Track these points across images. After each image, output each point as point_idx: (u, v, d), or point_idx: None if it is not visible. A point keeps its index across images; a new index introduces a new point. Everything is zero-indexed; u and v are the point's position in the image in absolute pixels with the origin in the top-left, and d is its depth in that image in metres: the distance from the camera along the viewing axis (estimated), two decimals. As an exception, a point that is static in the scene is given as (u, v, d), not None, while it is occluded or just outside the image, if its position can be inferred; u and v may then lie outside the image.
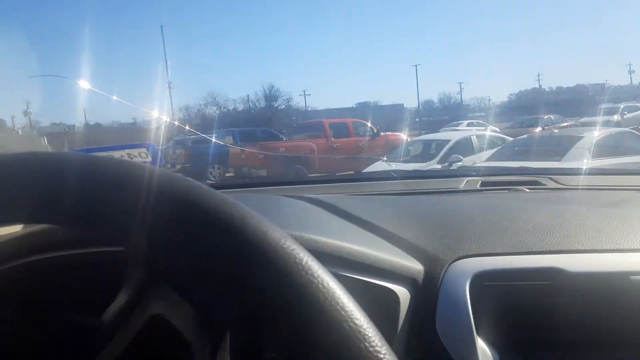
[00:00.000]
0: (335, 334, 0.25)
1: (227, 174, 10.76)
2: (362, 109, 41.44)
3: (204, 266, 0.27)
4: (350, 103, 61.63)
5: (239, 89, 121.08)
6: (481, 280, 0.59)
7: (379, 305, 0.54)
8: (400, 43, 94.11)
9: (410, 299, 0.59)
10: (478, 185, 1.15)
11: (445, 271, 0.60)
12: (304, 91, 47.94)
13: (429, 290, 0.59)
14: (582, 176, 1.30)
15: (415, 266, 0.61)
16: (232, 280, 0.26)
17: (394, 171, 1.45)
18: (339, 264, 0.56)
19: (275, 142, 11.73)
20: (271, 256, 0.26)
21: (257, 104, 45.37)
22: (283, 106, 44.52)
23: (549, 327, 0.57)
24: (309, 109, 46.66)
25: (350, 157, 9.05)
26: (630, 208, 0.89)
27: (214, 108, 49.63)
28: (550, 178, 1.17)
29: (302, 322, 0.25)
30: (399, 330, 0.56)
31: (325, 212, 0.77)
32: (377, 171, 2.19)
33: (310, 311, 0.26)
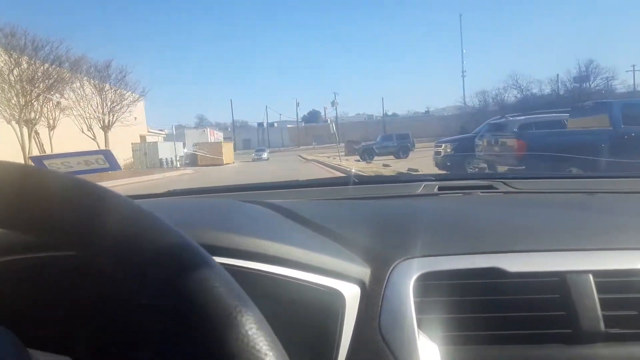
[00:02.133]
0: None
1: (471, 169, 9.90)
2: None
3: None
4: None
5: (547, 68, 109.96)
6: (425, 280, 0.61)
7: (325, 306, 0.57)
8: None
9: (357, 300, 0.60)
10: (435, 190, 1.18)
11: (390, 272, 0.62)
12: (633, 66, 36.18)
13: (374, 291, 0.61)
14: (533, 180, 1.34)
15: (362, 267, 0.63)
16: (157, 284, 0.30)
17: (355, 176, 1.41)
18: (287, 265, 0.58)
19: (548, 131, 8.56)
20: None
21: (567, 85, 38.30)
22: (601, 86, 35.83)
23: (488, 323, 0.59)
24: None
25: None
26: (577, 210, 0.91)
27: (515, 92, 44.60)
28: (503, 182, 1.20)
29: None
30: (344, 330, 0.57)
31: (279, 216, 0.79)
32: (338, 177, 2.11)
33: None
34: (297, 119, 71.18)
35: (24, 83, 16.21)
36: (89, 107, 22.44)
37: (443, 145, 11.31)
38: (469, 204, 1.04)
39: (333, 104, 69.05)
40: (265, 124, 71.59)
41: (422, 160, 17.81)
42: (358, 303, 0.60)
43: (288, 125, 70.65)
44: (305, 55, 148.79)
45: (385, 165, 14.86)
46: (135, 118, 36.78)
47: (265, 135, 68.41)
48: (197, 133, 43.91)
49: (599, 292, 0.59)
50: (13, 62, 16.35)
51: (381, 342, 0.56)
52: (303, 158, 30.77)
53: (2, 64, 16.00)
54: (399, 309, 0.58)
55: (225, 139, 49.30)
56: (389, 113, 68.64)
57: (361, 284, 0.61)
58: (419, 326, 0.57)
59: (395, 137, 25.74)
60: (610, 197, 1.12)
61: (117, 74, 24.62)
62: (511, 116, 9.68)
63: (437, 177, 1.31)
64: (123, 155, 32.84)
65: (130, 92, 25.66)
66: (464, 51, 71.00)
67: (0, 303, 0.53)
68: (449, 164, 10.79)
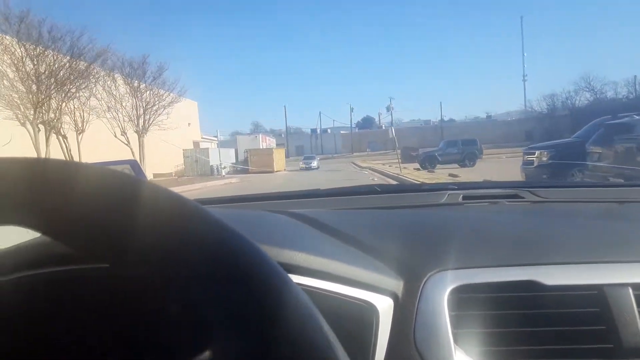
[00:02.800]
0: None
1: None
2: None
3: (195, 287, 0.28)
4: None
5: (624, 69, 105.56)
6: (459, 293, 0.60)
7: (358, 318, 0.56)
8: None
9: (391, 312, 0.59)
10: (460, 199, 1.16)
11: (424, 284, 0.61)
12: None
13: (408, 303, 0.60)
14: (559, 189, 1.33)
15: (394, 280, 0.62)
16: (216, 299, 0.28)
17: (378, 185, 1.38)
18: (320, 277, 0.57)
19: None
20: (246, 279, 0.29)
21: None
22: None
23: (526, 338, 0.58)
24: None
25: None
26: (608, 220, 0.89)
27: (587, 94, 41.52)
28: (529, 191, 1.18)
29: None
30: (378, 343, 0.56)
31: (308, 227, 0.77)
32: (361, 185, 1.86)
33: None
34: (351, 124, 69.44)
35: (38, 77, 13.75)
36: (122, 107, 19.81)
37: (537, 152, 8.93)
38: (497, 213, 1.02)
39: (388, 109, 66.80)
40: (318, 130, 70.47)
41: (495, 169, 15.56)
42: (392, 316, 0.59)
43: (342, 132, 69.07)
44: (360, 60, 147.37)
45: (453, 176, 12.66)
46: (189, 124, 36.76)
47: (318, 142, 67.30)
48: (249, 139, 43.19)
49: (638, 305, 0.58)
50: (24, 51, 13.54)
51: (417, 356, 0.55)
52: (357, 166, 28.92)
53: (10, 55, 13.38)
54: (434, 322, 0.57)
55: (278, 145, 48.60)
56: (446, 119, 65.41)
57: (394, 297, 0.60)
58: (455, 341, 0.56)
59: (461, 143, 23.01)
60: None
61: (153, 72, 21.17)
62: (637, 115, 7.26)
63: (461, 186, 1.30)
64: (175, 161, 32.77)
65: (167, 92, 22.62)
66: (525, 55, 67.66)
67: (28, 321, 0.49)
68: (545, 176, 8.42)
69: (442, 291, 0.60)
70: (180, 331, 0.39)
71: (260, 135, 45.40)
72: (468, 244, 0.71)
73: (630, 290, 0.58)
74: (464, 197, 1.16)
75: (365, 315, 0.57)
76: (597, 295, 0.59)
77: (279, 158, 34.80)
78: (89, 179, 0.29)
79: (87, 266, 0.49)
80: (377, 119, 77.67)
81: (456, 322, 0.58)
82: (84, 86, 16.16)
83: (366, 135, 66.05)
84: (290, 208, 0.97)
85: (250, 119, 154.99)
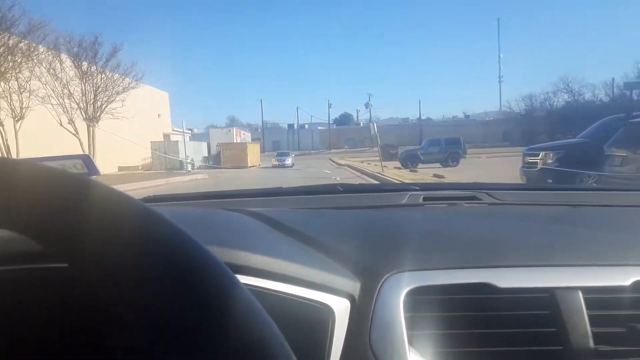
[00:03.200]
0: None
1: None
2: None
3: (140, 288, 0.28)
4: None
5: (604, 70, 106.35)
6: (415, 295, 0.60)
7: (314, 320, 0.56)
8: None
9: (347, 314, 0.59)
10: (420, 200, 1.17)
11: (380, 286, 0.61)
12: None
13: (364, 305, 0.60)
14: (516, 191, 1.32)
15: (351, 281, 0.62)
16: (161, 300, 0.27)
17: (340, 185, 1.36)
18: (276, 279, 0.56)
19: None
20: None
21: (625, 92, 32.48)
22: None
23: (479, 339, 0.59)
24: None
25: None
26: (562, 224, 0.90)
27: (565, 96, 41.23)
28: (487, 193, 1.19)
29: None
30: (333, 343, 0.56)
31: (265, 227, 0.76)
32: (323, 184, 1.45)
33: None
34: (329, 120, 68.22)
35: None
36: (69, 92, 16.85)
37: (541, 153, 7.86)
38: (455, 216, 1.03)
39: (367, 105, 66.03)
40: (295, 126, 69.01)
41: (482, 171, 14.61)
42: (348, 317, 0.59)
43: (319, 127, 67.75)
44: (338, 58, 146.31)
45: (438, 176, 11.60)
46: (159, 115, 34.82)
47: (295, 137, 65.84)
48: (222, 133, 41.05)
49: (588, 308, 0.59)
50: None
51: (372, 357, 0.55)
52: (335, 163, 27.73)
53: None
54: (390, 324, 0.58)
55: (254, 140, 46.93)
56: (423, 117, 64.88)
57: (351, 298, 0.60)
58: (409, 342, 0.57)
59: (444, 142, 22.01)
60: (595, 210, 1.11)
61: (106, 54, 18.25)
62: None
63: (422, 187, 1.31)
64: (143, 154, 30.87)
65: (122, 77, 19.32)
66: (501, 56, 68.37)
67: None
68: (550, 180, 7.37)
69: (399, 293, 0.60)
70: (127, 333, 0.38)
71: (235, 129, 43.28)
72: (425, 245, 0.71)
73: (580, 294, 0.60)
74: (425, 199, 1.17)
75: (321, 317, 0.56)
76: (548, 298, 0.60)
77: (253, 153, 33.32)
78: (28, 177, 0.28)
79: (42, 266, 0.48)
80: (355, 116, 76.75)
81: (411, 324, 0.58)
82: (21, 66, 14.06)
83: (344, 132, 65.08)
84: (250, 206, 0.95)
85: (226, 113, 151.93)
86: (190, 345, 0.27)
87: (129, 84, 19.72)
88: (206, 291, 0.28)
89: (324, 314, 0.56)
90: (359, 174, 15.93)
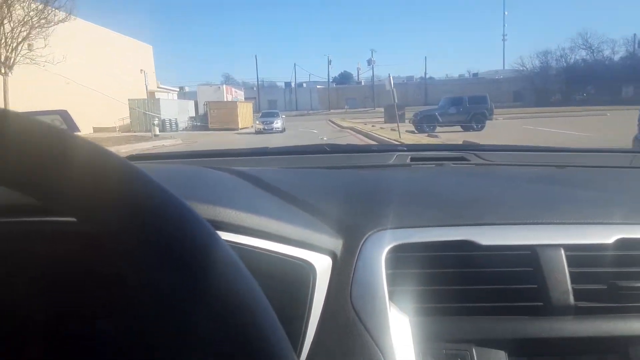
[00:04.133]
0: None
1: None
2: None
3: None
4: None
5: (625, 26, 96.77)
6: (397, 252, 0.61)
7: (296, 276, 0.56)
8: None
9: (329, 271, 0.59)
10: (407, 160, 1.17)
11: (362, 243, 0.62)
12: None
13: (346, 262, 0.60)
14: (505, 152, 1.32)
15: (333, 238, 0.62)
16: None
17: (328, 145, 1.37)
18: (258, 236, 0.55)
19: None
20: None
21: None
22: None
23: (459, 295, 0.60)
24: None
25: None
26: (548, 184, 0.90)
27: (583, 52, 39.68)
28: (474, 154, 1.20)
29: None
30: (314, 299, 0.56)
31: (248, 184, 0.75)
32: (310, 145, 1.49)
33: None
34: (329, 78, 64.08)
35: None
36: None
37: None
38: (441, 175, 1.04)
39: (369, 62, 61.64)
40: (293, 84, 64.86)
41: (523, 135, 11.49)
42: (329, 274, 0.59)
43: (318, 86, 63.70)
44: (339, 13, 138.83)
45: (471, 145, 8.53)
46: (142, 71, 31.09)
47: (292, 96, 61.93)
48: (211, 90, 37.08)
49: (569, 265, 0.60)
50: None
51: (352, 312, 0.56)
52: (337, 125, 24.48)
53: None
54: (371, 280, 0.58)
55: (248, 99, 43.26)
56: (427, 77, 60.90)
57: (333, 255, 0.61)
58: (390, 298, 0.58)
59: (467, 100, 18.02)
60: (581, 171, 1.13)
61: None
62: None
63: (410, 148, 1.32)
64: (121, 114, 27.51)
65: (40, 5, 14.75)
66: (506, 13, 63.29)
67: None
68: None
69: (381, 250, 0.61)
70: (105, 289, 0.42)
71: (225, 87, 39.11)
72: (409, 204, 0.71)
73: (562, 251, 0.61)
74: (412, 159, 1.18)
75: (303, 273, 0.56)
76: (530, 256, 0.61)
77: (244, 113, 29.83)
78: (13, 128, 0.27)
79: (45, 219, 0.48)
80: (355, 75, 72.37)
81: (392, 280, 0.59)
82: None
83: (344, 91, 61.27)
84: (236, 166, 0.94)
85: (222, 71, 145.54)
86: (169, 300, 0.27)
87: (55, 16, 15.29)
88: (186, 246, 0.28)
89: (306, 271, 0.56)
90: (369, 141, 12.87)
